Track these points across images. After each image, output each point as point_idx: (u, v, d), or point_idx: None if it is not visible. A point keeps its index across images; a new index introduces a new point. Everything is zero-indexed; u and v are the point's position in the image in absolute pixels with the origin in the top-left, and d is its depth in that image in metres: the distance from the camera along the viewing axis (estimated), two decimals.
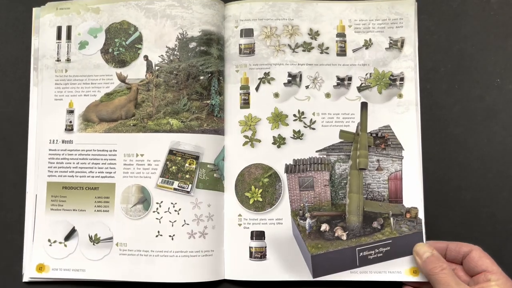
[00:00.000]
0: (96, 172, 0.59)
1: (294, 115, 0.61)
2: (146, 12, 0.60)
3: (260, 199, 0.59)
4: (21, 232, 0.60)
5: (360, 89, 0.60)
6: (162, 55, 0.60)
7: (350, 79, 0.61)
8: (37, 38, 0.62)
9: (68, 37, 0.62)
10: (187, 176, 0.58)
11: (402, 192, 0.59)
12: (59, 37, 0.62)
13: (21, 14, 0.64)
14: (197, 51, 0.60)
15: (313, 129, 0.60)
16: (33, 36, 0.62)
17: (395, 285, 0.58)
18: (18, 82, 0.63)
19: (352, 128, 0.60)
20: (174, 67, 0.60)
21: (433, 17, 0.62)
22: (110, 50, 0.61)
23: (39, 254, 0.59)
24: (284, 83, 0.61)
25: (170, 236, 0.57)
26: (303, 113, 0.60)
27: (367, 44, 0.61)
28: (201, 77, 0.60)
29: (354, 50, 0.61)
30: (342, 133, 0.59)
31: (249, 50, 0.62)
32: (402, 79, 0.60)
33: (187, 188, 0.58)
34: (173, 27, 0.60)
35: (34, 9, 0.62)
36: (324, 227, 0.58)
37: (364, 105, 0.60)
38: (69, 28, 0.62)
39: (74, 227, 0.59)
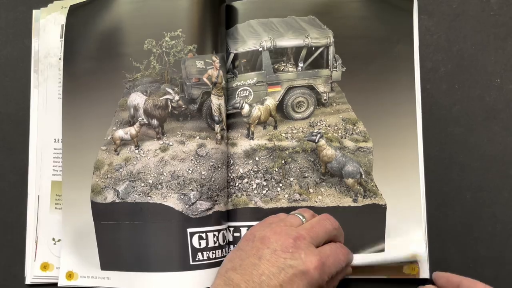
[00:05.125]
0: None
1: None
2: None
3: None
4: (22, 234, 0.60)
5: None
6: None
7: None
8: (37, 41, 0.62)
9: None
10: None
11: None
12: (62, 35, 0.62)
13: (21, 14, 0.64)
14: None
15: None
16: (33, 39, 0.62)
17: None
18: (18, 83, 0.63)
19: None
20: None
21: (433, 17, 0.62)
22: None
23: (43, 253, 0.59)
24: None
25: None
26: None
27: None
28: None
29: None
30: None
31: None
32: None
33: None
34: None
35: (34, 11, 0.62)
36: None
37: None
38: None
39: None
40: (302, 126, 0.62)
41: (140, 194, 0.58)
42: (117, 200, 0.58)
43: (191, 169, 0.58)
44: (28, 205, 0.60)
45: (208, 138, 0.59)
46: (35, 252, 0.59)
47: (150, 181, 0.58)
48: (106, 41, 0.60)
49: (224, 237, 0.58)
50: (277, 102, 0.62)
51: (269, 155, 0.60)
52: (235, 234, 0.59)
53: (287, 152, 0.60)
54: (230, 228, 0.59)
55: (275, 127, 0.62)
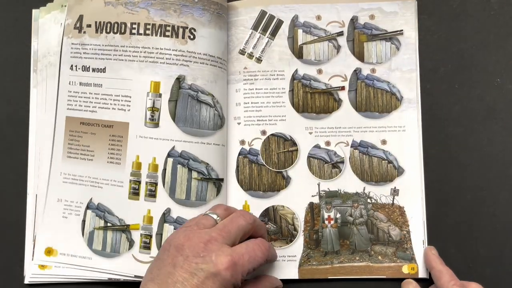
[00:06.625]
0: None
1: None
2: None
3: None
4: (22, 233, 0.60)
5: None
6: None
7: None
8: (36, 40, 0.62)
9: None
10: None
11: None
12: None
13: (21, 14, 0.64)
14: None
15: None
16: (32, 38, 0.62)
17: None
18: (18, 83, 0.63)
19: None
20: None
21: (433, 17, 0.62)
22: None
23: (40, 254, 0.59)
24: None
25: None
26: None
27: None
28: None
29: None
30: None
31: None
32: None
33: None
34: None
35: (33, 11, 0.62)
36: None
37: None
38: None
39: None
40: None
41: None
42: None
43: None
44: (27, 204, 0.60)
45: None
46: (33, 251, 0.59)
47: None
48: None
49: None
50: None
51: None
52: None
53: None
54: None
55: None
